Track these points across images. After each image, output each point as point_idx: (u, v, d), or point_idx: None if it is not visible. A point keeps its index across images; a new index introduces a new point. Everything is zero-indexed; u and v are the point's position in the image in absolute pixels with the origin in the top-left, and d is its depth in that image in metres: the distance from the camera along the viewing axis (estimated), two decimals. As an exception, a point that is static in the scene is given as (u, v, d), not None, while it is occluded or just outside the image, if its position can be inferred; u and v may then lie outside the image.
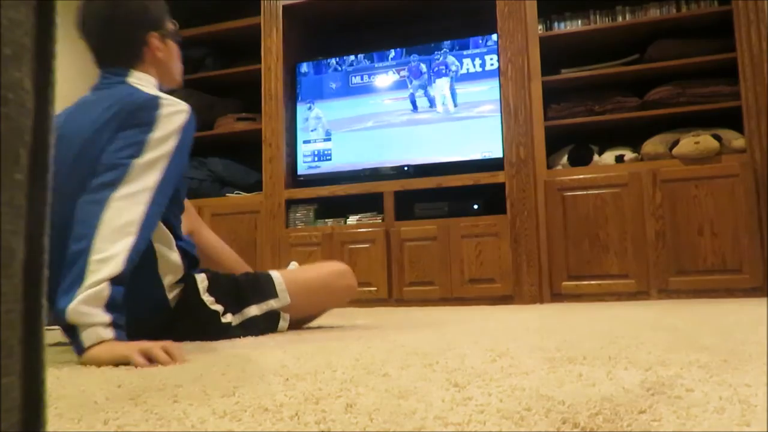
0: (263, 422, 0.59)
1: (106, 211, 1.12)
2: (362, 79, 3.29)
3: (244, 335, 1.48)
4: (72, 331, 1.05)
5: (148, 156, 1.22)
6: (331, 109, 3.32)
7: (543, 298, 2.80)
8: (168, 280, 1.38)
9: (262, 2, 3.37)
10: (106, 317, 1.06)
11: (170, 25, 1.52)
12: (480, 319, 1.92)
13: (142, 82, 1.42)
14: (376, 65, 3.28)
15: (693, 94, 2.78)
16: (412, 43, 3.25)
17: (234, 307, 1.48)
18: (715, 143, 2.64)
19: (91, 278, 1.06)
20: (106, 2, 1.39)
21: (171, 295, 1.40)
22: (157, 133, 1.25)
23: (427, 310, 2.49)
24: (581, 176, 2.82)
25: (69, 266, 1.08)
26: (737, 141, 2.66)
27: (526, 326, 1.57)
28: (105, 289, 1.06)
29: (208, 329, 1.43)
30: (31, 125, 0.27)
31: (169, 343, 1.08)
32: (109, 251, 1.09)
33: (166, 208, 1.28)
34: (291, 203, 3.25)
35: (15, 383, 0.25)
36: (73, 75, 3.35)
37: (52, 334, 1.78)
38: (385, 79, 3.25)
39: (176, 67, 1.55)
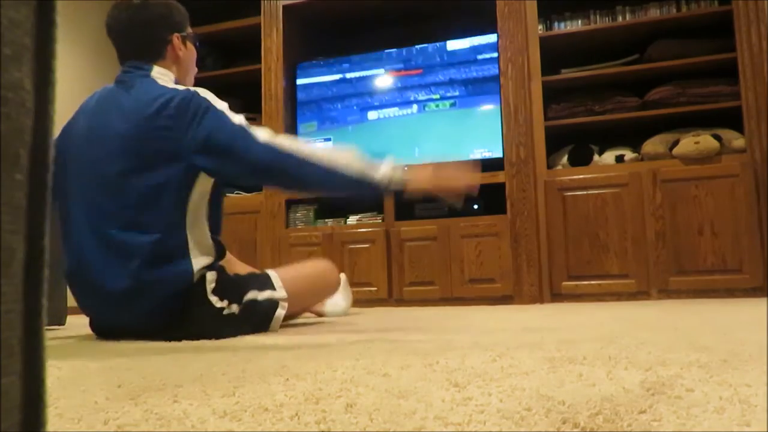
0: (263, 422, 0.59)
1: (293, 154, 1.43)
2: (362, 79, 3.29)
3: (246, 323, 1.53)
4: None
5: (236, 119, 1.46)
6: (330, 109, 3.32)
7: (543, 298, 2.80)
8: (198, 263, 1.48)
9: (262, 2, 3.37)
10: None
11: (190, 30, 1.69)
12: (480, 319, 1.92)
13: (164, 77, 1.57)
14: (375, 65, 3.28)
15: (693, 94, 2.78)
16: (412, 43, 3.24)
17: (235, 297, 1.54)
18: (715, 143, 2.64)
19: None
20: (137, 6, 1.56)
21: (195, 279, 1.48)
22: (219, 105, 1.48)
23: (427, 310, 2.49)
24: (581, 176, 2.82)
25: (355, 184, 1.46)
26: (737, 141, 2.66)
27: (526, 326, 1.57)
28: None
29: (212, 325, 1.48)
30: (31, 125, 0.27)
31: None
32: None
33: (214, 199, 1.53)
34: (291, 203, 3.25)
35: (15, 383, 0.25)
36: (73, 75, 3.35)
37: (53, 335, 1.78)
38: (384, 79, 3.25)
39: (192, 69, 1.72)
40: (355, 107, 3.27)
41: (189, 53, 1.67)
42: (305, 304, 1.86)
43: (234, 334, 1.49)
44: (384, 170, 1.46)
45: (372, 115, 3.24)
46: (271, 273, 1.68)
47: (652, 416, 0.56)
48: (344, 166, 1.42)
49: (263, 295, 1.59)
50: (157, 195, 1.44)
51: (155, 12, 1.58)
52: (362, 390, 0.73)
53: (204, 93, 1.50)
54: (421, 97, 3.17)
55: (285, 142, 1.45)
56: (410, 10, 3.37)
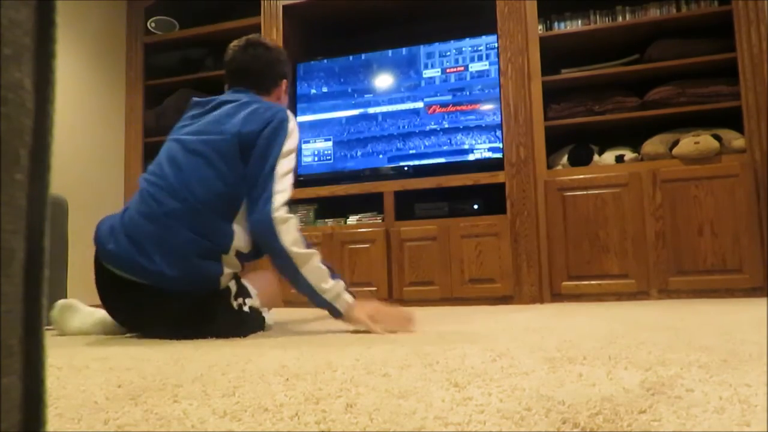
0: (263, 422, 0.59)
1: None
2: (362, 79, 3.29)
3: (254, 321, 1.67)
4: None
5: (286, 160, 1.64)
6: (331, 108, 3.32)
7: (543, 298, 2.80)
8: (227, 268, 1.58)
9: (262, 2, 3.37)
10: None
11: (287, 83, 1.98)
12: (480, 319, 1.92)
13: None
14: (375, 65, 3.28)
15: (693, 94, 2.78)
16: (412, 43, 3.24)
17: (245, 296, 1.69)
18: (715, 143, 2.64)
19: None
20: (266, 47, 1.88)
21: (221, 282, 1.58)
22: (289, 143, 1.65)
23: (427, 310, 2.49)
24: (581, 176, 2.82)
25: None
26: (737, 141, 2.66)
27: (526, 326, 1.57)
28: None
29: (239, 325, 1.61)
30: (31, 125, 0.27)
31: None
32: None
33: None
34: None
35: (15, 383, 0.25)
36: (73, 75, 3.35)
37: (53, 335, 1.78)
38: (384, 79, 3.25)
39: None
40: (354, 107, 3.27)
41: (285, 99, 1.95)
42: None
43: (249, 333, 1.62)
44: (336, 299, 1.56)
45: (372, 115, 3.24)
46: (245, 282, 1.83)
47: (652, 416, 0.56)
48: (317, 286, 1.55)
49: (253, 302, 1.74)
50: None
51: (278, 56, 1.91)
52: (362, 390, 0.73)
53: (293, 121, 1.71)
54: (421, 96, 3.17)
55: (293, 244, 1.57)
56: (410, 10, 3.37)
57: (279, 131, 1.64)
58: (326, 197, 3.19)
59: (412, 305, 2.89)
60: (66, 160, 3.16)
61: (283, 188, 1.61)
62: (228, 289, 1.61)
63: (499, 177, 2.92)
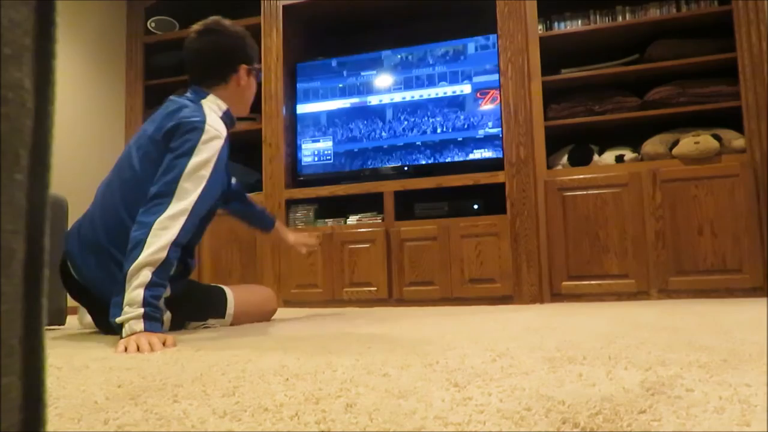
0: (263, 422, 0.59)
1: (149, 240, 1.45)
2: (362, 79, 3.29)
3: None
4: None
5: (190, 178, 1.53)
6: (331, 108, 3.32)
7: (543, 298, 2.80)
8: None
9: (262, 2, 3.37)
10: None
11: (257, 65, 1.84)
12: (480, 319, 1.92)
13: (213, 106, 1.71)
14: (375, 65, 3.28)
15: (693, 94, 2.78)
16: (412, 43, 3.24)
17: (181, 320, 1.75)
18: (715, 143, 2.64)
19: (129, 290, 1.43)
20: (215, 32, 1.74)
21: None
22: (197, 158, 1.55)
23: (427, 310, 2.49)
24: (581, 176, 2.82)
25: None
26: (737, 141, 2.66)
27: (526, 326, 1.57)
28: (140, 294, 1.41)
29: None
30: (31, 125, 0.27)
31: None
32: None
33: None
34: (291, 203, 3.25)
35: (15, 383, 0.25)
36: (73, 75, 3.35)
37: (53, 335, 1.78)
38: (385, 79, 3.25)
39: (249, 99, 1.85)
40: (354, 107, 3.27)
41: (250, 85, 1.82)
42: (247, 322, 1.99)
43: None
44: (126, 315, 1.42)
45: (371, 114, 3.24)
46: (230, 298, 1.87)
47: (652, 416, 0.56)
48: (135, 286, 1.42)
49: (206, 323, 1.82)
50: None
51: (232, 41, 1.75)
52: (362, 390, 0.73)
53: (209, 134, 1.59)
54: (421, 96, 3.17)
55: (156, 233, 1.45)
56: (410, 10, 3.37)
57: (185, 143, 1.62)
58: (326, 197, 3.19)
59: (412, 305, 2.89)
60: (66, 160, 3.16)
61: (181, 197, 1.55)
62: None
63: (499, 177, 2.92)
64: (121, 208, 1.63)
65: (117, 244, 1.59)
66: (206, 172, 1.55)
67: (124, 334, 1.38)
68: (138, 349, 1.29)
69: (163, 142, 1.61)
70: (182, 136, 1.57)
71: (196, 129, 1.57)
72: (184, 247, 1.58)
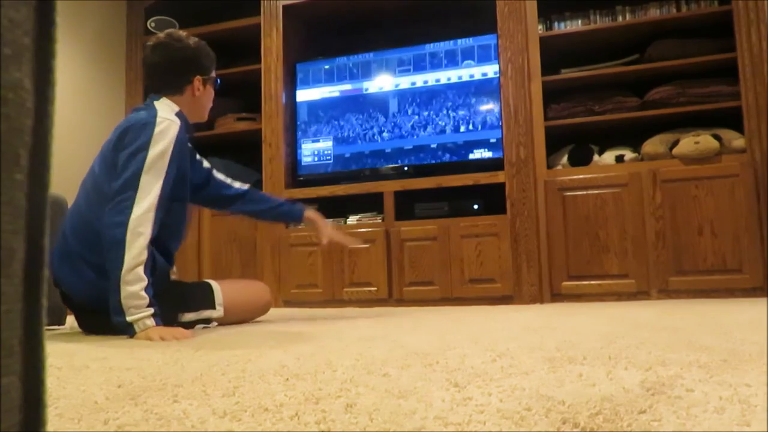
0: (263, 422, 0.59)
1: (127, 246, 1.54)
2: (362, 78, 3.29)
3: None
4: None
5: (150, 171, 1.60)
6: (331, 108, 3.32)
7: (543, 298, 2.80)
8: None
9: (262, 2, 3.37)
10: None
11: (214, 74, 1.90)
12: (480, 319, 1.91)
13: (163, 106, 1.76)
14: (375, 65, 3.28)
15: (693, 94, 2.78)
16: (412, 43, 3.24)
17: (171, 312, 1.73)
18: (715, 143, 2.64)
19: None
20: (169, 45, 1.79)
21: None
22: (153, 150, 1.61)
23: (427, 310, 2.49)
24: (581, 176, 2.82)
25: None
26: (737, 141, 2.66)
27: (526, 326, 1.57)
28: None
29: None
30: (31, 125, 0.27)
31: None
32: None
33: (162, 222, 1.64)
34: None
35: (15, 383, 0.25)
36: (73, 75, 3.35)
37: (53, 335, 1.78)
38: (384, 78, 3.25)
39: (206, 107, 1.91)
40: (354, 107, 3.27)
41: (206, 94, 1.88)
42: (240, 319, 1.99)
43: None
44: (135, 315, 1.54)
45: (372, 114, 3.24)
46: (216, 290, 1.87)
47: (652, 416, 0.56)
48: (131, 288, 1.52)
49: (200, 315, 1.82)
50: None
51: (186, 53, 1.81)
52: (362, 390, 0.73)
53: (161, 125, 1.65)
54: (421, 96, 3.17)
55: (134, 233, 1.54)
56: (410, 10, 3.37)
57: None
58: (326, 197, 3.19)
59: (412, 305, 2.89)
60: (66, 160, 3.16)
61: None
62: None
63: (499, 177, 2.92)
64: (86, 211, 1.70)
65: (88, 246, 1.67)
66: (165, 162, 1.63)
67: (136, 332, 1.52)
68: (162, 340, 1.45)
69: (119, 143, 1.67)
70: (136, 133, 1.64)
71: (148, 124, 1.65)
72: (155, 245, 1.65)
